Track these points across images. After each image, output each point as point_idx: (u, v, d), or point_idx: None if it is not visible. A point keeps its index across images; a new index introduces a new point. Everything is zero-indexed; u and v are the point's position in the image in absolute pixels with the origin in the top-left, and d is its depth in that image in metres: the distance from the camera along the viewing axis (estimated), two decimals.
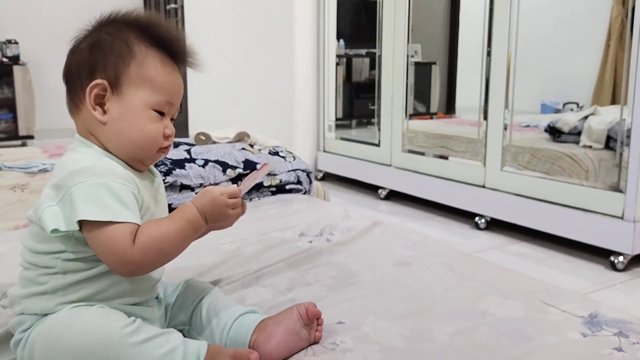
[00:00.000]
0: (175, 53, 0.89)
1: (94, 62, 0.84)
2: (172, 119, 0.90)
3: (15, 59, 4.77)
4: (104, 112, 0.84)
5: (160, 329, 0.82)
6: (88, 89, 0.83)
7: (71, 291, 0.82)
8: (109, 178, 0.79)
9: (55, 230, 0.78)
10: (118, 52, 0.84)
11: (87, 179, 0.78)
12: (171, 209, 1.73)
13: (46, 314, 0.81)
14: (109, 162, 0.83)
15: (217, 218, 0.86)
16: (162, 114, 0.87)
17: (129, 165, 0.87)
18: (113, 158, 0.85)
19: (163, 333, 0.80)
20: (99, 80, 0.83)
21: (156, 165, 1.74)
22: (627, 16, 2.29)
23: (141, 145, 0.85)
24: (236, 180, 1.85)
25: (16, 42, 4.83)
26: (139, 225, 0.80)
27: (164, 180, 1.69)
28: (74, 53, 0.87)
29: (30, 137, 4.83)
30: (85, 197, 0.77)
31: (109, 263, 0.79)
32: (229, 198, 0.86)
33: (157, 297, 0.93)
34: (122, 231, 0.77)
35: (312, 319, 0.91)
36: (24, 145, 4.60)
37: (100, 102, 0.84)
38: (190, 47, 0.91)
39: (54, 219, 0.78)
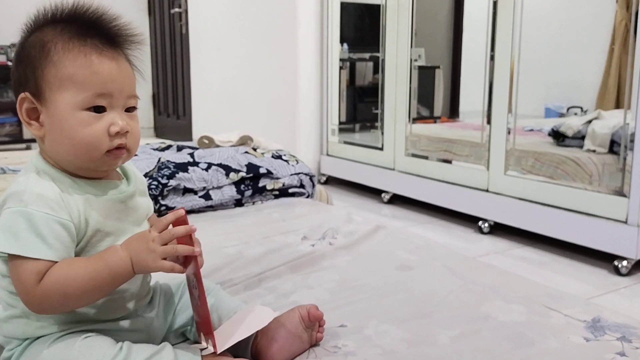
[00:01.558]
0: (104, 37, 0.80)
1: (18, 76, 0.80)
2: (129, 110, 0.81)
3: None
4: (40, 125, 0.79)
5: (150, 347, 0.78)
6: (17, 105, 0.79)
7: (44, 315, 0.78)
8: (33, 206, 0.73)
9: None
10: (32, 58, 0.78)
11: (13, 206, 0.74)
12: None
13: (27, 338, 0.80)
14: (43, 185, 0.77)
15: (140, 254, 0.75)
16: (101, 109, 0.78)
17: (80, 177, 0.80)
18: (57, 174, 0.79)
19: (153, 355, 0.77)
20: (22, 95, 0.78)
21: (159, 168, 1.75)
22: (630, 20, 2.29)
23: (78, 153, 0.78)
24: (239, 183, 1.86)
25: None
26: (54, 262, 0.73)
27: (166, 184, 1.70)
28: (12, 67, 0.82)
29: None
30: (3, 226, 0.74)
31: (20, 298, 0.75)
32: (155, 230, 0.76)
33: (150, 302, 0.90)
34: (29, 269, 0.72)
35: (314, 322, 0.91)
36: (28, 148, 4.62)
37: (36, 115, 0.79)
38: (123, 26, 0.81)
39: None
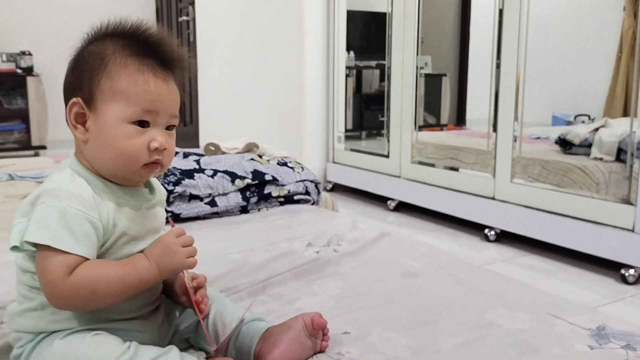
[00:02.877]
0: (160, 59, 0.84)
1: (73, 80, 0.84)
2: (169, 128, 0.86)
3: (29, 70, 4.83)
4: (86, 130, 0.83)
5: (157, 349, 0.80)
6: (67, 109, 0.83)
7: (60, 310, 0.80)
8: (67, 202, 0.77)
9: (14, 248, 0.78)
10: (91, 67, 0.83)
11: (48, 201, 0.77)
12: (180, 219, 1.74)
13: (40, 333, 0.81)
14: (78, 184, 0.80)
15: (165, 259, 0.81)
16: (145, 124, 0.82)
17: (113, 182, 0.84)
18: (92, 177, 0.83)
19: (159, 355, 0.78)
20: (74, 99, 0.83)
21: (165, 175, 1.76)
22: (638, 28, 2.28)
23: (118, 162, 0.82)
24: (245, 190, 1.86)
25: (30, 54, 4.89)
26: (85, 258, 0.76)
27: (172, 190, 1.70)
28: (66, 73, 0.87)
29: (43, 147, 4.88)
30: (36, 218, 0.76)
31: (43, 291, 0.77)
32: (176, 237, 0.83)
33: (157, 307, 0.92)
34: (59, 262, 0.75)
35: (317, 330, 0.91)
36: (36, 155, 4.65)
37: (82, 120, 0.83)
38: (178, 52, 0.86)
39: (17, 235, 0.78)
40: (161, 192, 0.94)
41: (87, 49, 0.85)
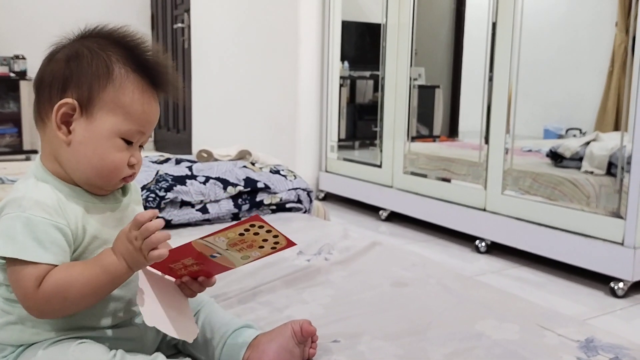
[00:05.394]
0: (158, 81, 0.83)
1: (68, 76, 0.79)
2: (140, 146, 0.85)
3: (22, 74, 4.82)
4: (69, 131, 0.80)
5: (143, 357, 0.79)
6: (56, 107, 0.79)
7: (41, 320, 0.79)
8: (31, 211, 0.75)
9: None
10: (96, 71, 0.79)
11: (11, 211, 0.75)
12: (171, 225, 1.74)
13: (22, 345, 0.80)
14: (41, 191, 0.78)
15: (131, 254, 0.76)
16: (130, 142, 0.82)
17: (77, 185, 0.82)
18: (58, 183, 0.80)
19: None
20: (69, 100, 0.79)
21: (157, 181, 1.76)
22: (629, 44, 2.31)
23: (101, 173, 0.80)
24: (237, 197, 1.86)
25: (24, 58, 4.88)
26: (54, 266, 0.74)
27: (164, 196, 1.70)
28: (49, 62, 0.82)
29: (35, 151, 4.85)
30: (1, 231, 0.74)
31: (20, 303, 0.76)
32: (134, 230, 0.75)
33: None
34: (29, 273, 0.73)
35: (306, 337, 0.90)
36: (27, 159, 4.63)
37: (66, 120, 0.79)
38: (174, 76, 0.86)
39: None
40: (135, 192, 0.92)
41: (85, 45, 0.81)
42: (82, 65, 0.80)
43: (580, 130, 2.98)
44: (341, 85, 3.97)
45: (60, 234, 0.76)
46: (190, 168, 1.92)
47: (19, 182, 0.81)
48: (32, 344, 0.80)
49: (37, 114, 0.83)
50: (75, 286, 0.74)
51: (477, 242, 2.82)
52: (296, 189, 1.98)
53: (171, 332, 0.81)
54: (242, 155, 2.19)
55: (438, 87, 3.91)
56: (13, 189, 0.80)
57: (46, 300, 0.74)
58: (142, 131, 0.82)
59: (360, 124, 4.11)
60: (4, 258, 0.75)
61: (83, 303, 0.76)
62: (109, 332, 0.83)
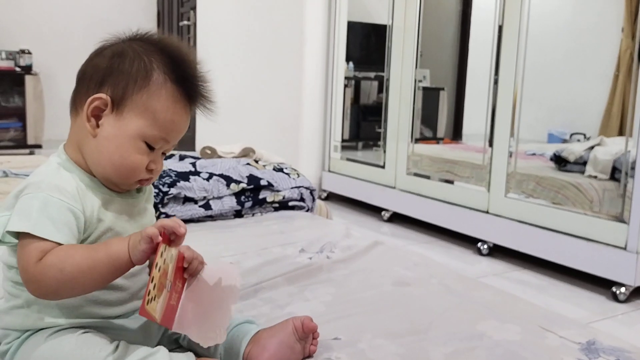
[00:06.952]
0: (193, 94, 0.86)
1: (108, 73, 0.82)
2: (164, 154, 0.87)
3: (28, 69, 4.83)
4: (97, 125, 0.82)
5: (145, 349, 0.79)
6: (90, 99, 0.81)
7: (46, 305, 0.80)
8: (49, 191, 0.77)
9: None
10: (135, 73, 0.82)
11: (31, 192, 0.77)
12: None
13: (27, 330, 0.81)
14: (63, 178, 0.80)
15: (135, 239, 0.76)
16: (152, 147, 0.84)
17: (102, 184, 0.84)
18: (80, 172, 0.83)
19: (147, 356, 0.77)
20: (102, 95, 0.81)
21: (160, 177, 1.76)
22: (635, 49, 2.30)
23: (119, 171, 0.82)
24: (240, 194, 1.86)
25: (29, 52, 4.89)
26: (60, 244, 0.75)
27: (167, 192, 1.70)
28: (95, 55, 0.85)
29: (39, 146, 4.87)
30: (19, 209, 0.76)
31: (20, 276, 0.76)
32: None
33: None
34: (35, 247, 0.74)
35: (307, 333, 0.90)
36: (31, 154, 4.64)
37: (97, 114, 0.82)
38: (210, 93, 0.88)
39: (1, 228, 0.77)
40: (149, 190, 0.94)
41: (131, 46, 0.83)
42: (123, 65, 0.82)
43: (584, 135, 2.98)
44: (346, 86, 3.97)
45: (73, 217, 0.78)
46: (193, 164, 1.92)
47: (42, 166, 0.84)
48: (36, 331, 0.80)
49: (73, 103, 0.85)
50: (74, 259, 0.74)
51: (479, 244, 2.81)
52: (299, 187, 1.98)
53: (193, 335, 0.81)
54: (246, 152, 2.19)
55: (443, 89, 3.91)
56: (34, 172, 0.82)
57: (44, 272, 0.73)
58: (167, 139, 0.84)
59: (364, 125, 4.11)
60: (17, 236, 0.76)
61: (80, 280, 0.74)
62: (113, 322, 0.84)
